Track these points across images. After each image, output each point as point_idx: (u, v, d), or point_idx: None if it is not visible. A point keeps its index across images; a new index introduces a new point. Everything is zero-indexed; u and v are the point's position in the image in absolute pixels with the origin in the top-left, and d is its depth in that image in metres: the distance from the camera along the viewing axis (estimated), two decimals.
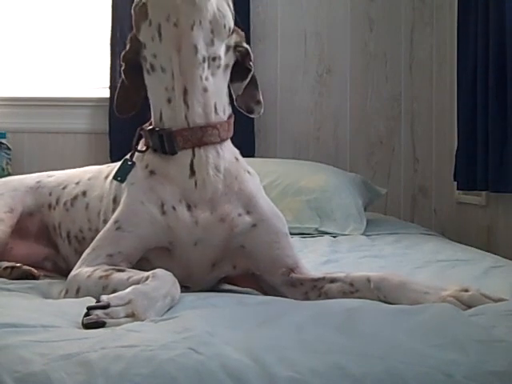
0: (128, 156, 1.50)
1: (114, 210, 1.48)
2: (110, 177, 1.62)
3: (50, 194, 1.79)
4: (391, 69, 3.51)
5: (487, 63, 2.62)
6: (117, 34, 3.36)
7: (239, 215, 1.42)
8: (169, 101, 1.42)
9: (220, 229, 1.41)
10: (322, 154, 3.46)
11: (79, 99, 3.50)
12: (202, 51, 1.39)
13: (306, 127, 3.51)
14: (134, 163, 1.48)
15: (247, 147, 3.27)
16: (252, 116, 1.58)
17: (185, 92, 1.40)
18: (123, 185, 1.48)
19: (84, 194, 1.72)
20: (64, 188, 1.78)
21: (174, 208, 1.40)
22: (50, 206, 1.78)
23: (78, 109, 3.49)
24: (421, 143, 3.52)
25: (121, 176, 1.47)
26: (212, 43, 1.40)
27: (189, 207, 1.41)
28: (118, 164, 1.65)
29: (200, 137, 1.42)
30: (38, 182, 1.84)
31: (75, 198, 1.74)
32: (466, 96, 2.83)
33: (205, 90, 1.41)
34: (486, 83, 2.62)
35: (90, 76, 3.54)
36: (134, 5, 1.44)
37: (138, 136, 1.51)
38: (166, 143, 1.42)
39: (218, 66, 1.43)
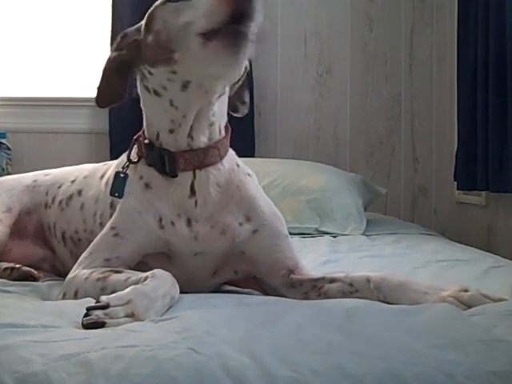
0: (120, 168, 1.46)
1: (111, 215, 1.46)
2: (106, 176, 1.60)
3: (47, 193, 1.78)
4: (391, 69, 3.51)
5: (487, 63, 2.62)
6: (117, 34, 3.34)
7: (240, 224, 1.41)
8: (170, 131, 1.38)
9: (221, 241, 1.40)
10: (322, 154, 3.46)
11: (79, 99, 3.49)
12: (215, 98, 1.37)
13: (306, 127, 3.51)
14: (126, 175, 1.44)
15: (247, 147, 3.28)
16: (235, 115, 1.54)
17: (191, 128, 1.38)
18: None
19: (79, 193, 1.69)
20: (60, 187, 1.76)
21: (172, 223, 1.38)
22: (46, 204, 1.77)
23: (78, 109, 3.49)
24: (421, 143, 3.52)
25: (118, 192, 1.43)
26: (224, 90, 1.39)
27: (188, 222, 1.38)
28: (114, 162, 1.64)
29: (202, 159, 1.39)
30: (35, 180, 1.82)
31: (70, 197, 1.71)
32: (466, 96, 2.83)
33: (211, 124, 1.40)
34: (486, 83, 2.62)
35: (90, 76, 3.54)
36: (148, 27, 1.35)
37: (132, 146, 1.46)
38: (167, 165, 1.38)
39: (223, 95, 1.41)
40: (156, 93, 1.38)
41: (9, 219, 1.72)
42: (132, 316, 1.11)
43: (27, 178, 1.86)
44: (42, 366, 0.88)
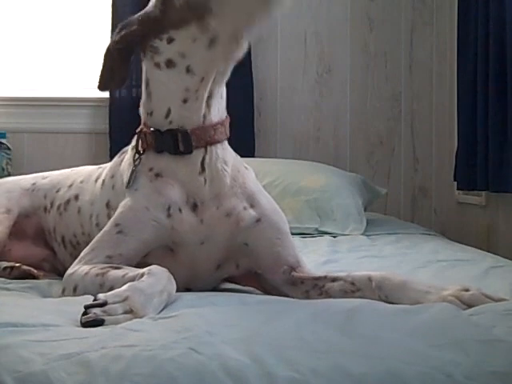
0: (134, 163, 1.45)
1: (108, 215, 1.47)
2: (100, 179, 1.60)
3: (45, 197, 1.77)
4: (391, 69, 3.51)
5: (487, 63, 2.63)
6: None
7: (244, 209, 1.42)
8: (184, 101, 1.40)
9: (226, 224, 1.41)
10: (322, 154, 3.46)
11: (79, 99, 3.49)
12: (236, 60, 1.39)
13: (306, 127, 3.51)
14: (136, 167, 1.44)
15: (247, 147, 3.27)
16: None
17: (209, 96, 1.40)
18: (122, 190, 1.45)
19: (76, 197, 1.70)
20: (58, 191, 1.76)
21: (180, 210, 1.39)
22: (45, 209, 1.77)
23: (78, 109, 3.49)
24: (421, 143, 3.52)
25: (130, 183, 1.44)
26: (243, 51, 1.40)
27: (195, 206, 1.40)
28: (108, 165, 1.64)
29: (212, 135, 1.42)
30: (34, 183, 1.82)
31: (68, 202, 1.71)
32: (466, 96, 2.83)
33: (221, 97, 1.44)
34: (486, 83, 2.63)
35: (90, 76, 3.53)
36: None
37: (138, 139, 1.46)
38: (180, 143, 1.40)
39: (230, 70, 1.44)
40: (169, 64, 1.39)
41: (8, 220, 1.72)
42: (130, 312, 1.12)
43: (26, 180, 1.85)
44: (42, 365, 0.88)
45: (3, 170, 3.23)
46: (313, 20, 3.50)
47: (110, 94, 3.34)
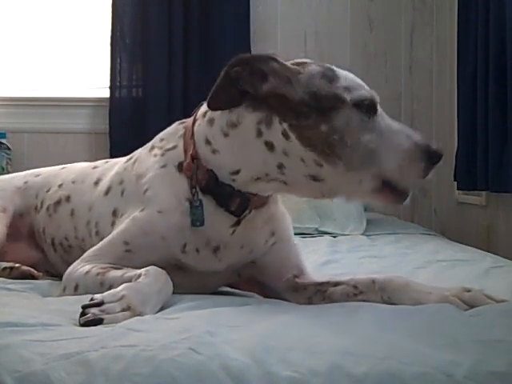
0: (193, 196, 1.33)
1: (113, 223, 1.43)
2: (103, 184, 1.54)
3: (36, 197, 1.74)
4: (391, 69, 3.51)
5: (487, 63, 2.62)
6: (117, 33, 3.35)
7: (265, 242, 1.41)
8: (257, 178, 1.31)
9: (245, 258, 1.40)
10: None
11: (79, 99, 3.50)
12: None
13: None
14: (201, 201, 1.32)
15: None
16: None
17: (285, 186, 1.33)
18: (135, 197, 1.40)
19: (68, 199, 1.64)
20: (48, 191, 1.71)
21: (197, 250, 1.35)
22: (36, 208, 1.73)
23: (78, 109, 3.49)
24: None
25: (198, 221, 1.32)
26: None
27: (216, 249, 1.36)
28: (103, 165, 1.62)
29: (264, 202, 1.37)
30: (26, 182, 1.78)
31: (58, 202, 1.66)
32: (466, 96, 2.83)
33: None
34: (486, 83, 2.63)
35: (90, 76, 3.54)
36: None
37: (195, 169, 1.32)
38: (235, 204, 1.31)
39: None
40: (269, 146, 1.29)
41: (5, 219, 1.69)
42: (128, 310, 1.12)
43: (18, 178, 1.82)
44: (42, 365, 0.88)
45: (3, 169, 3.23)
46: (313, 20, 3.50)
47: (110, 94, 3.33)
